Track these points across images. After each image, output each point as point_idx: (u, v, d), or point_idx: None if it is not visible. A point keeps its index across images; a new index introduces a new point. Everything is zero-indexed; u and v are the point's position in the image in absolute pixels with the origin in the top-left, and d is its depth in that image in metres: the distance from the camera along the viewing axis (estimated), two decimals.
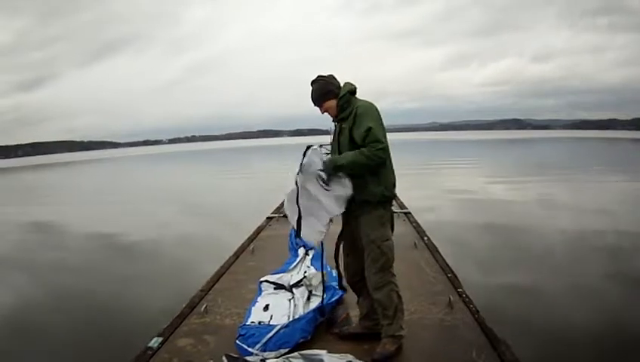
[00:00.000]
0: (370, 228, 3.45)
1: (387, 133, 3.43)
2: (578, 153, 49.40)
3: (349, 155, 3.35)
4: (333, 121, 3.67)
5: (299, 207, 3.55)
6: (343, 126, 3.49)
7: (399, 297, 3.54)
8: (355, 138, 3.37)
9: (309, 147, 3.55)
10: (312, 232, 3.57)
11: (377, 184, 3.41)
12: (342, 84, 3.59)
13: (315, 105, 3.64)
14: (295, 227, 3.62)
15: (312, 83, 3.60)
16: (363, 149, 3.30)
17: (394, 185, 3.54)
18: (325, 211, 3.49)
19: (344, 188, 3.40)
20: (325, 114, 3.63)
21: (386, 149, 3.32)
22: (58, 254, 11.09)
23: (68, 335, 6.13)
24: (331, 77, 3.61)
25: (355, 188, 3.40)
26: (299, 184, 3.52)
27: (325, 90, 3.55)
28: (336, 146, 3.53)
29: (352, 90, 3.54)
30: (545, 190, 18.41)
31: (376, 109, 3.44)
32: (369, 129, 3.28)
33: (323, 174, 3.41)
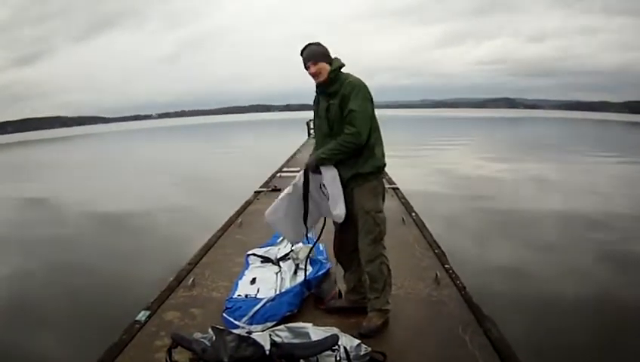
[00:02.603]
0: (365, 200, 3.43)
1: (379, 109, 3.41)
2: (569, 134, 49.55)
3: (328, 148, 3.37)
4: (317, 89, 3.57)
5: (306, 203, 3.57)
6: (331, 102, 3.42)
7: (389, 271, 3.55)
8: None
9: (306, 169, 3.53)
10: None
11: (368, 157, 3.39)
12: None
13: (308, 62, 3.45)
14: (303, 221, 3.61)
15: (308, 45, 3.49)
16: (338, 139, 3.33)
17: (383, 155, 3.52)
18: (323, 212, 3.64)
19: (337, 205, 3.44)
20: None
21: (358, 134, 3.28)
22: (47, 229, 11.04)
23: (56, 309, 6.13)
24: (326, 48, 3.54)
25: (345, 164, 3.39)
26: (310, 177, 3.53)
27: (323, 52, 3.45)
28: (326, 123, 3.47)
29: (341, 66, 3.47)
30: (535, 169, 18.50)
31: (365, 87, 3.39)
32: (350, 111, 3.28)
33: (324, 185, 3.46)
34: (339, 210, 3.41)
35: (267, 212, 3.68)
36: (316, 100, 3.64)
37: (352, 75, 3.46)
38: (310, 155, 3.60)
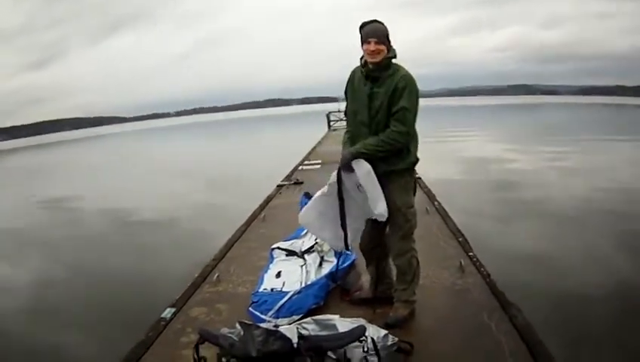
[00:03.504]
0: (397, 195, 3.35)
1: None
2: (587, 119, 48.82)
3: (369, 143, 3.22)
4: (362, 70, 3.35)
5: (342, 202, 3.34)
6: (375, 89, 3.25)
7: (418, 263, 3.55)
8: (392, 109, 3.22)
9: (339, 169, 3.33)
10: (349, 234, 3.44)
11: (404, 154, 3.32)
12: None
13: (370, 37, 3.19)
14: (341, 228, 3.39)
15: (373, 21, 3.26)
16: (383, 135, 3.20)
17: (417, 151, 3.43)
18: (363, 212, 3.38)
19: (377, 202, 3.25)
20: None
21: (407, 133, 3.20)
22: (72, 230, 11.25)
23: (83, 309, 6.24)
24: None
25: (380, 159, 3.27)
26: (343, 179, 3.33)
27: (387, 34, 3.24)
28: (367, 111, 3.29)
29: (395, 56, 3.29)
30: (557, 156, 18.24)
31: (416, 83, 3.25)
32: (402, 109, 3.17)
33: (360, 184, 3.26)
34: (380, 209, 3.23)
35: (300, 214, 3.62)
36: (352, 83, 3.44)
37: (403, 68, 3.30)
38: (343, 149, 3.41)
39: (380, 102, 3.22)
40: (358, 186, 3.26)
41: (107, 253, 8.79)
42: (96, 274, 7.59)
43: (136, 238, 9.79)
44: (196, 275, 4.77)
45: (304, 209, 3.62)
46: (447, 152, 20.21)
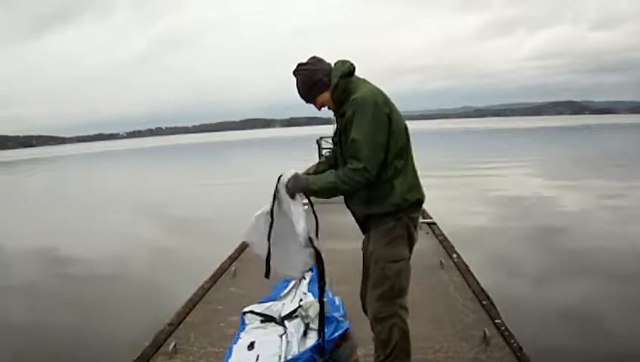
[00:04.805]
0: (375, 245, 3.40)
1: (406, 121, 3.38)
2: None
3: (323, 179, 3.30)
4: (334, 115, 3.57)
5: (269, 242, 3.48)
6: (340, 124, 3.42)
7: (404, 335, 3.43)
8: None
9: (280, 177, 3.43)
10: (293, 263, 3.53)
11: (384, 194, 3.33)
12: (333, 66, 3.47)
13: (305, 102, 3.52)
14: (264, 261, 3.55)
15: (294, 74, 3.48)
16: (339, 172, 3.27)
17: (410, 189, 3.39)
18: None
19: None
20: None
21: (364, 170, 3.18)
22: None
23: None
24: (317, 61, 3.48)
25: (359, 198, 3.38)
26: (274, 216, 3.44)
27: (312, 83, 3.42)
28: (339, 150, 3.47)
29: (345, 73, 3.40)
30: (614, 194, 18.35)
31: (373, 104, 3.24)
32: (352, 141, 3.21)
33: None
34: (299, 229, 3.29)
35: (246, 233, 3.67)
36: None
37: (362, 85, 3.40)
38: (298, 174, 3.41)
39: (342, 138, 3.39)
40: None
41: (36, 307, 8.73)
42: (25, 335, 7.50)
43: (73, 292, 9.68)
44: (147, 344, 4.73)
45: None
46: (470, 189, 20.34)
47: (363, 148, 3.16)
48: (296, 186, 3.30)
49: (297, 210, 3.32)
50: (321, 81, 3.39)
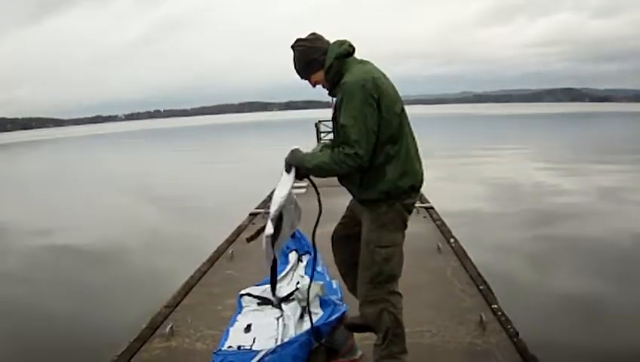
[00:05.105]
0: (366, 228, 3.40)
1: (405, 106, 3.35)
2: None
3: (317, 157, 3.32)
4: (329, 95, 3.56)
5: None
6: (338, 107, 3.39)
7: (396, 320, 3.39)
8: None
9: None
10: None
11: (374, 179, 3.30)
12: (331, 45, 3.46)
13: (301, 78, 3.54)
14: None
15: (292, 48, 3.48)
16: (334, 154, 3.23)
17: (402, 176, 3.32)
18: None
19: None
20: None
21: (355, 155, 3.15)
22: None
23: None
24: (315, 38, 3.46)
25: (351, 181, 3.37)
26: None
27: (308, 60, 3.42)
28: (336, 133, 3.44)
29: (341, 54, 3.37)
30: (612, 181, 18.39)
31: (361, 88, 3.19)
32: (341, 127, 3.19)
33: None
34: (276, 196, 3.41)
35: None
36: None
37: (356, 67, 3.37)
38: (297, 148, 3.48)
39: (335, 122, 3.38)
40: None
41: (34, 292, 8.73)
42: (20, 318, 7.52)
43: (70, 276, 9.70)
44: (143, 326, 4.74)
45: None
46: (469, 174, 20.35)
47: (352, 134, 3.14)
48: (292, 159, 3.37)
49: (285, 181, 3.40)
50: (317, 60, 3.40)
